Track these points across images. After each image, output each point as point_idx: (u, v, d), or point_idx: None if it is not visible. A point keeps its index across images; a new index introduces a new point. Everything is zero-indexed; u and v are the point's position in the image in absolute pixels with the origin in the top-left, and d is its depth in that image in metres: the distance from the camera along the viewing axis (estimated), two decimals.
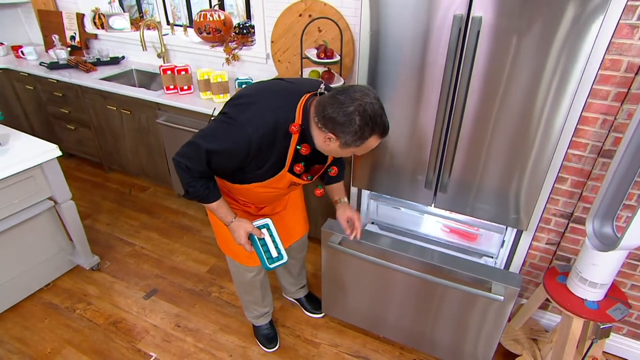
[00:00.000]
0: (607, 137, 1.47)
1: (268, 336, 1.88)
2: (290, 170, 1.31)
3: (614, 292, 1.49)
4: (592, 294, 1.44)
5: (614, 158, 1.30)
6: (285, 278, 1.99)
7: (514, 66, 1.29)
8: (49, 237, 2.13)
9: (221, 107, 1.32)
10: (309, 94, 1.23)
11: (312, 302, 2.07)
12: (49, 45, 3.32)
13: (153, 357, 1.84)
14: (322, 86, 1.26)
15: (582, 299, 1.46)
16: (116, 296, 2.15)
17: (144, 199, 2.99)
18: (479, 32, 1.28)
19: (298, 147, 1.25)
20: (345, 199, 1.59)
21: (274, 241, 1.42)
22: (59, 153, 1.90)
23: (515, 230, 1.70)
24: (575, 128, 1.41)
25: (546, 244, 1.81)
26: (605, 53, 1.24)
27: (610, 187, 1.33)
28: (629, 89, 1.37)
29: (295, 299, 2.10)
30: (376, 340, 1.93)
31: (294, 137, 1.23)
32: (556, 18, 1.18)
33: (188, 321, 2.01)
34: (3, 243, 1.93)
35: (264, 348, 1.86)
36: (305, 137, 1.24)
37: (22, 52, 3.20)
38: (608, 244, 1.33)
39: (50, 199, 1.98)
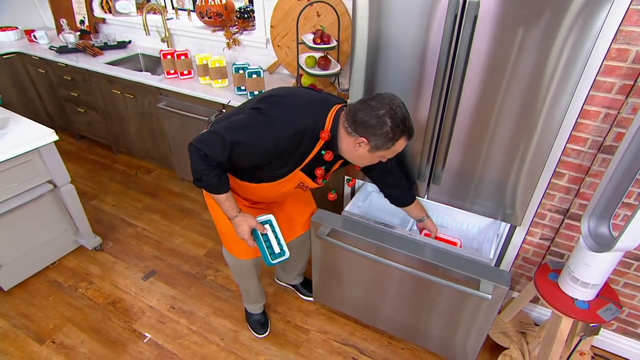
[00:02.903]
0: (608, 132, 1.32)
1: (259, 321, 1.82)
2: (309, 172, 1.30)
3: (606, 292, 1.38)
4: (583, 294, 1.33)
5: (615, 154, 1.16)
6: (287, 264, 1.91)
7: (513, 55, 1.15)
8: (52, 218, 2.09)
9: (244, 102, 1.29)
10: (339, 105, 1.23)
11: (307, 286, 2.00)
12: (60, 29, 3.23)
13: (147, 338, 1.80)
14: (348, 101, 1.29)
15: (573, 298, 1.35)
16: (116, 276, 2.12)
17: (148, 181, 2.93)
18: (476, 17, 1.14)
19: (322, 152, 1.24)
20: (426, 217, 1.61)
21: (276, 237, 1.36)
22: (56, 137, 1.82)
23: (508, 224, 1.59)
24: (576, 122, 1.27)
25: (540, 239, 1.69)
26: (611, 42, 1.10)
27: (610, 184, 1.20)
28: (635, 81, 1.22)
29: (291, 285, 2.04)
30: (365, 329, 1.86)
31: (320, 142, 1.22)
32: (560, 3, 1.03)
33: (183, 303, 1.97)
34: (6, 224, 1.89)
35: (254, 333, 1.81)
36: (330, 144, 1.23)
37: (34, 36, 3.13)
38: (603, 244, 1.21)
39: (49, 182, 1.92)
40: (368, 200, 1.87)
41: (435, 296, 1.49)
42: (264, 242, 1.34)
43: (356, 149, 1.18)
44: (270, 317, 1.89)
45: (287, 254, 1.37)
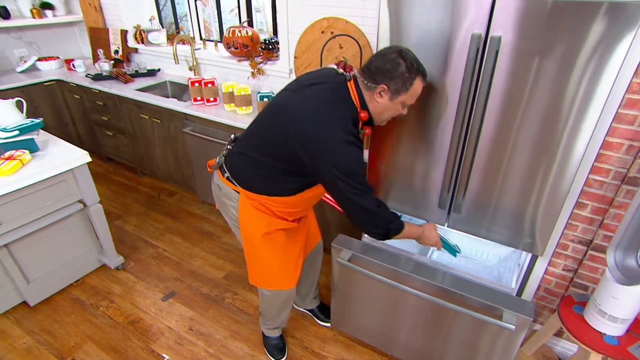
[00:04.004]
0: (632, 163, 1.32)
1: (277, 346, 1.80)
2: None
3: (637, 327, 1.33)
4: (612, 329, 1.29)
5: None
6: (301, 285, 1.91)
7: (533, 88, 1.18)
8: (79, 237, 2.14)
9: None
10: (352, 82, 1.23)
11: (325, 311, 1.98)
12: (96, 58, 3.42)
13: (166, 359, 1.80)
14: (340, 69, 1.27)
15: (601, 332, 1.31)
16: (137, 296, 2.14)
17: (170, 204, 3.00)
18: (497, 52, 1.18)
19: (362, 130, 1.26)
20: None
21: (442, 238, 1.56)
22: (89, 159, 1.91)
23: (530, 254, 1.57)
24: (598, 153, 1.28)
25: (563, 270, 1.65)
26: (633, 76, 1.12)
27: (636, 216, 1.19)
28: None
29: (308, 310, 2.02)
30: (384, 358, 1.81)
31: (360, 123, 1.25)
32: (580, 38, 1.06)
33: (201, 325, 1.97)
34: (38, 241, 1.95)
35: (272, 358, 1.79)
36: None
37: (73, 64, 3.32)
38: (631, 277, 1.18)
39: (80, 201, 2.00)
40: None
41: (456, 326, 1.46)
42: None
43: (378, 100, 1.21)
44: (288, 342, 1.87)
45: (459, 248, 1.61)
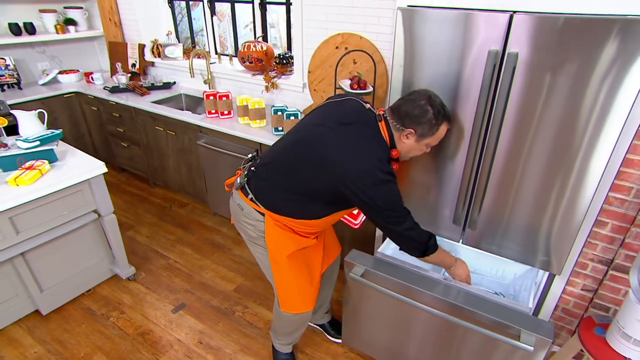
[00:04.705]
0: None
1: None
2: None
3: None
4: (638, 354, 1.24)
5: None
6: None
7: (550, 104, 1.17)
8: (92, 246, 2.17)
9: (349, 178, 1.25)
10: (383, 122, 1.29)
11: (336, 327, 1.96)
12: (113, 71, 3.51)
13: None
14: (367, 105, 1.34)
15: (625, 357, 1.26)
16: (147, 307, 2.14)
17: (182, 215, 3.02)
18: (514, 68, 1.18)
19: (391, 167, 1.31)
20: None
21: None
22: (105, 170, 1.94)
23: (547, 272, 1.53)
24: (618, 170, 1.26)
25: (582, 290, 1.61)
26: None
27: None
28: None
29: (319, 325, 2.00)
30: None
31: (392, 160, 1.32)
32: (597, 54, 1.06)
33: (211, 339, 1.95)
34: (53, 250, 1.98)
35: None
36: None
37: (91, 77, 3.41)
38: None
39: (94, 211, 2.02)
40: None
41: (470, 344, 1.42)
42: None
43: (404, 141, 1.28)
44: (298, 358, 1.84)
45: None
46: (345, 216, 1.57)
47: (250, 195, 1.38)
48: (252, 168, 1.42)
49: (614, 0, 1.03)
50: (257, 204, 1.37)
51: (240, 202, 1.42)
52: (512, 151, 1.30)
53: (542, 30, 1.10)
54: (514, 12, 1.15)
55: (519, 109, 1.23)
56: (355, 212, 1.61)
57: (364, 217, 1.63)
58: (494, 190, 1.40)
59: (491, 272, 1.74)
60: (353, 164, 1.21)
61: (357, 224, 1.73)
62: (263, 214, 1.37)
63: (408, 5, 1.34)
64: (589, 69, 1.08)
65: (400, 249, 1.36)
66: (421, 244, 1.31)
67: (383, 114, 1.30)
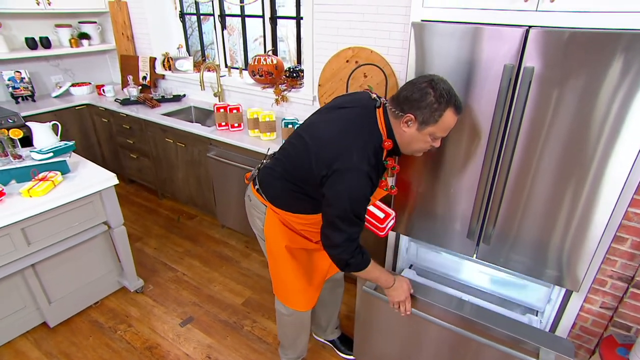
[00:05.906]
0: None
1: None
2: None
3: None
4: None
5: None
6: (322, 315, 1.87)
7: (566, 118, 1.17)
8: (101, 258, 2.17)
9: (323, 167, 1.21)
10: (380, 109, 1.22)
11: (346, 343, 1.93)
12: (124, 84, 3.58)
13: None
14: (374, 95, 1.28)
15: None
16: (155, 320, 2.13)
17: (190, 227, 3.02)
18: (530, 82, 1.18)
19: (385, 162, 1.23)
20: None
21: None
22: (116, 181, 1.95)
23: (564, 289, 1.51)
24: (638, 185, 1.24)
25: (601, 307, 1.57)
26: None
27: None
28: None
29: (329, 341, 1.97)
30: None
31: (384, 152, 1.22)
32: (613, 69, 1.06)
33: (219, 353, 1.93)
34: (62, 262, 1.98)
35: None
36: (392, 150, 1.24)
37: (103, 90, 3.47)
38: None
39: (105, 223, 2.03)
40: (414, 251, 1.84)
41: None
42: None
43: (404, 130, 1.17)
44: None
45: None
46: (371, 220, 1.54)
47: (257, 186, 1.43)
48: (264, 160, 1.49)
49: (630, 16, 1.04)
50: (261, 195, 1.41)
51: (249, 193, 1.49)
52: (528, 165, 1.29)
53: (558, 44, 1.11)
54: (530, 26, 1.15)
55: (534, 122, 1.23)
56: (382, 215, 1.56)
57: (392, 222, 1.59)
58: (509, 204, 1.39)
59: (507, 286, 1.71)
60: (331, 145, 1.18)
61: (383, 228, 1.60)
62: (266, 206, 1.41)
63: (422, 20, 1.36)
64: (601, 83, 1.08)
65: (328, 254, 1.27)
66: (348, 254, 1.22)
67: (383, 102, 1.24)
